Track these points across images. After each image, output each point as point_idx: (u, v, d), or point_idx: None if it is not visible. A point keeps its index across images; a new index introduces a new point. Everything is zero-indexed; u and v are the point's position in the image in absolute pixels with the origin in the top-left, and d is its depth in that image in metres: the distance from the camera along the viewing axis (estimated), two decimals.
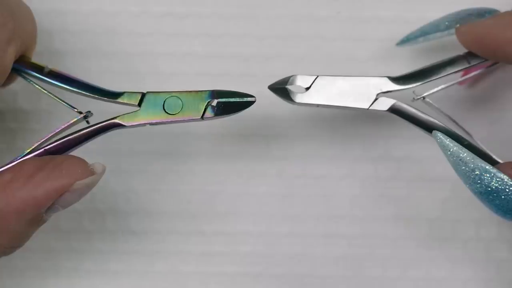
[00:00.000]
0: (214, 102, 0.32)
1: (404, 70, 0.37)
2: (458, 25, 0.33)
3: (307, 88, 0.33)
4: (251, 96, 0.33)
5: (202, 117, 0.32)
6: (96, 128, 0.32)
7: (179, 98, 0.32)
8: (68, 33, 0.38)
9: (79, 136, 0.32)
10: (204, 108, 0.32)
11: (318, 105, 0.33)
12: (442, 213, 0.38)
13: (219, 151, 0.38)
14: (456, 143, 0.30)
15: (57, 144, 0.32)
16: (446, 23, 0.34)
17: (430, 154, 0.37)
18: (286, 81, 0.33)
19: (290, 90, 0.33)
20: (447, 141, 0.30)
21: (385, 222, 0.38)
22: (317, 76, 0.33)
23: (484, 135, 0.35)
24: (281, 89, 0.33)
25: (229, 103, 0.32)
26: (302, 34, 0.38)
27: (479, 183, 0.29)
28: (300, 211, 0.38)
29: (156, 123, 0.32)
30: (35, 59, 0.34)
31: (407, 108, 0.33)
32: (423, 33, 0.35)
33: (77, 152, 0.32)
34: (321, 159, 0.38)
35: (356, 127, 0.38)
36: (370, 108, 0.33)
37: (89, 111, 0.33)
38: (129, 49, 0.38)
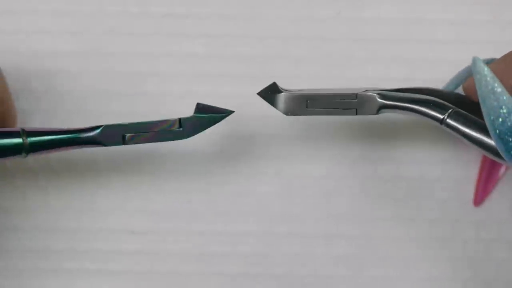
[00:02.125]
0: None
1: (404, 70, 0.37)
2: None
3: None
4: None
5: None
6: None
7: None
8: (68, 34, 0.38)
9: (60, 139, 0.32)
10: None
11: (306, 97, 0.33)
12: (442, 213, 0.38)
13: (218, 150, 0.38)
14: (494, 75, 0.29)
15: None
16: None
17: (430, 155, 0.38)
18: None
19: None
20: (486, 69, 0.29)
21: (385, 222, 0.38)
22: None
23: None
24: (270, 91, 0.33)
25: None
26: (303, 34, 0.38)
27: (501, 120, 0.29)
28: (300, 211, 0.38)
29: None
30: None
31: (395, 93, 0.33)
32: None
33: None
34: (321, 159, 0.38)
35: (356, 127, 0.38)
36: (359, 93, 0.32)
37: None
38: (129, 49, 0.38)
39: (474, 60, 0.29)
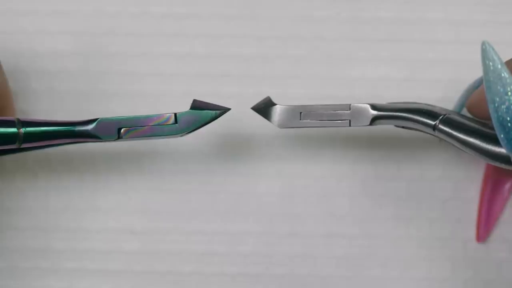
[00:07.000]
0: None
1: (404, 70, 0.37)
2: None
3: None
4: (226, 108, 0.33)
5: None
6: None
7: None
8: (68, 34, 0.38)
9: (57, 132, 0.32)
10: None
11: (300, 114, 0.33)
12: (442, 213, 0.38)
13: (218, 150, 0.38)
14: (503, 61, 0.28)
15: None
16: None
17: (431, 154, 0.38)
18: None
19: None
20: (495, 55, 0.28)
21: (385, 222, 0.38)
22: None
23: None
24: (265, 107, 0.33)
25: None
26: (302, 34, 0.38)
27: (505, 106, 0.28)
28: (300, 211, 0.38)
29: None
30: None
31: (386, 103, 0.33)
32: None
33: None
34: (321, 159, 0.38)
35: (356, 127, 0.38)
36: (352, 105, 0.32)
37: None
38: (129, 49, 0.38)
39: (484, 44, 0.28)
